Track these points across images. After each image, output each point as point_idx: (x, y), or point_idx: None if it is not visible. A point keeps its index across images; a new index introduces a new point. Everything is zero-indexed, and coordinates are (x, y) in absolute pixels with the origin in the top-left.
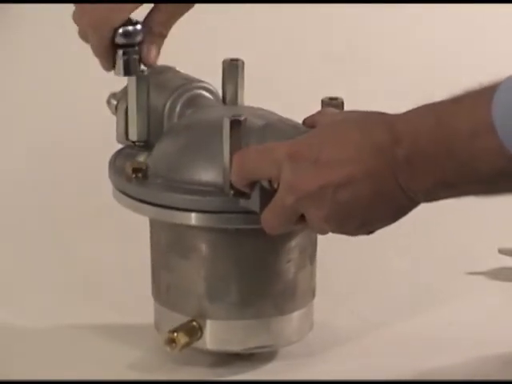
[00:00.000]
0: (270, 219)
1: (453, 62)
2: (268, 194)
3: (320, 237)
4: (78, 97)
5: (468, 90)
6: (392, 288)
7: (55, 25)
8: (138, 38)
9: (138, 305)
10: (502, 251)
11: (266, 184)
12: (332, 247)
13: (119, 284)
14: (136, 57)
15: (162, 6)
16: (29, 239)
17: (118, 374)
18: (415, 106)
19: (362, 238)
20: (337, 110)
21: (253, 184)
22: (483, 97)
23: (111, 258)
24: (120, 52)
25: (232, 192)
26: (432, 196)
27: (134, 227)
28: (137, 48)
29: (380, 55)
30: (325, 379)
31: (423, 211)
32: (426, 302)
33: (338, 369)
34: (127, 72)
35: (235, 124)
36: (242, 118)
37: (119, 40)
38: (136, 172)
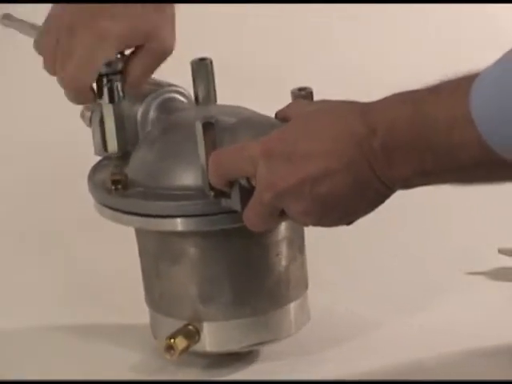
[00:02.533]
0: (251, 217)
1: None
2: (248, 192)
3: (319, 236)
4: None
5: (445, 80)
6: (391, 287)
7: None
8: (120, 66)
9: (136, 306)
10: (501, 251)
11: (244, 182)
12: (331, 246)
13: (118, 286)
14: (118, 83)
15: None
16: (28, 241)
17: (117, 376)
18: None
19: (362, 238)
20: (308, 102)
21: (231, 183)
22: (461, 87)
23: (111, 260)
24: (104, 80)
25: (212, 193)
26: (410, 184)
27: (132, 229)
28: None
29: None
30: (322, 379)
31: (423, 211)
32: (425, 302)
33: (336, 368)
34: (112, 99)
35: (207, 126)
36: (213, 120)
37: (102, 70)
38: (115, 184)
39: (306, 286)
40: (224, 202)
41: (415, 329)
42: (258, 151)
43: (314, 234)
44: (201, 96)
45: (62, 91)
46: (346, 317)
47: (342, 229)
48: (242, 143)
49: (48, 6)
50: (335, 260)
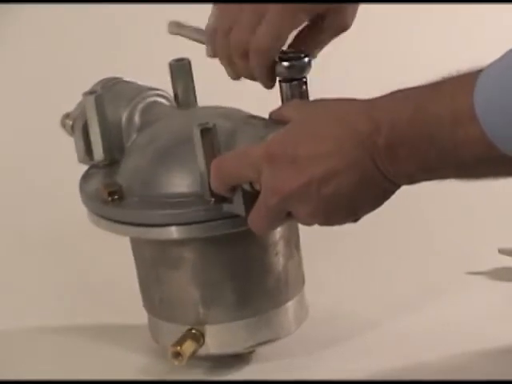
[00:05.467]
0: (257, 221)
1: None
2: (251, 196)
3: (319, 236)
4: (76, 97)
5: (447, 77)
6: (392, 288)
7: (55, 25)
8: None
9: (139, 307)
10: (502, 251)
11: (247, 187)
12: (331, 247)
13: (121, 286)
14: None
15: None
16: (29, 241)
17: (118, 375)
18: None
19: (362, 238)
20: (304, 101)
21: (234, 188)
22: (464, 84)
23: (110, 259)
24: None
25: (213, 199)
26: (414, 179)
27: None
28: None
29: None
30: (324, 379)
31: (423, 211)
32: (425, 302)
33: (338, 368)
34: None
35: (205, 132)
36: (211, 125)
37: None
38: (112, 195)
39: (303, 283)
40: (226, 207)
41: (415, 329)
42: (261, 156)
43: (314, 236)
44: (180, 97)
45: (64, 91)
46: (347, 317)
47: (343, 230)
48: (242, 149)
49: (49, 6)
50: (335, 261)
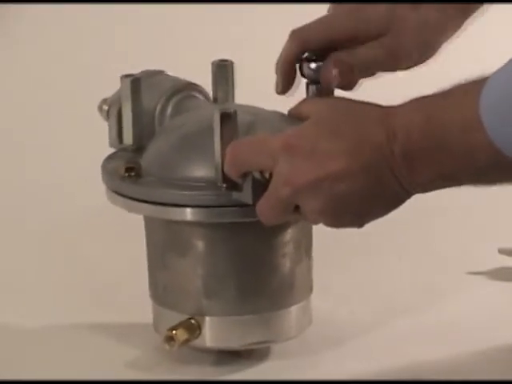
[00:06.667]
0: (265, 210)
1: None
2: (260, 185)
3: (320, 236)
4: (76, 97)
5: (456, 85)
6: (392, 288)
7: (55, 25)
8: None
9: (138, 304)
10: (501, 251)
11: (257, 175)
12: (332, 247)
13: (119, 283)
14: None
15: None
16: (28, 239)
17: (118, 374)
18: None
19: (363, 239)
20: (321, 99)
21: (245, 175)
22: (471, 92)
23: (111, 258)
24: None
25: (225, 185)
26: (429, 188)
27: (133, 226)
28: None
29: None
30: (325, 379)
31: (423, 211)
32: (425, 302)
33: (338, 369)
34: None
35: (225, 117)
36: (232, 111)
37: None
38: (129, 171)
39: (311, 290)
40: (235, 195)
41: (416, 329)
42: (279, 146)
43: (315, 237)
44: (220, 97)
45: (64, 91)
46: (348, 318)
47: (344, 231)
48: (260, 136)
49: (49, 6)
50: (337, 262)
